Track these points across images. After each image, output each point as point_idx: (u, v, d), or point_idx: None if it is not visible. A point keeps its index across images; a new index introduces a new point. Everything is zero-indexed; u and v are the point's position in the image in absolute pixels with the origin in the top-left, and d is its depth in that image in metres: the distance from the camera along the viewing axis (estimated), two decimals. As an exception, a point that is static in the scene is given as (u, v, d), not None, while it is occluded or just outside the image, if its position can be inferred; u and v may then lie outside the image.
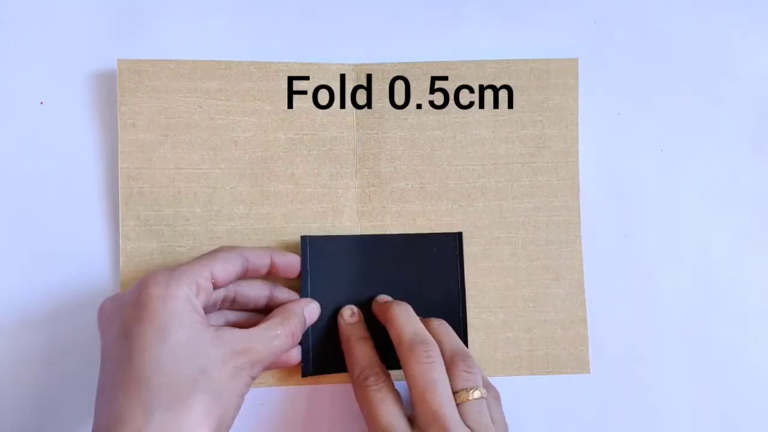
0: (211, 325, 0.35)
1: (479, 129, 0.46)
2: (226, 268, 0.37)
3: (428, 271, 0.44)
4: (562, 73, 0.46)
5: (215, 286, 0.37)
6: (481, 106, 0.46)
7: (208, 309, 0.39)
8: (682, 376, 0.47)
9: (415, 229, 0.45)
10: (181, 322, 0.33)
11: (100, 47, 0.45)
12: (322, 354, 0.42)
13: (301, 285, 0.42)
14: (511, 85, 0.46)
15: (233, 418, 0.34)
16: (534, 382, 0.46)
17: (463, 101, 0.46)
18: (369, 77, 0.46)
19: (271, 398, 0.45)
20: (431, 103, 0.46)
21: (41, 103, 0.45)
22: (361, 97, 0.46)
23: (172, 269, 0.35)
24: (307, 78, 0.45)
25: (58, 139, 0.45)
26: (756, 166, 0.48)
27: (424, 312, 0.43)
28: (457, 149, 0.46)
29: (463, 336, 0.44)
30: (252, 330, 0.36)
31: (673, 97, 0.48)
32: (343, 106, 0.45)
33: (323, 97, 0.45)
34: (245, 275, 0.39)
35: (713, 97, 0.48)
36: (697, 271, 0.47)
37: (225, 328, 0.35)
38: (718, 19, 0.49)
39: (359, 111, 0.46)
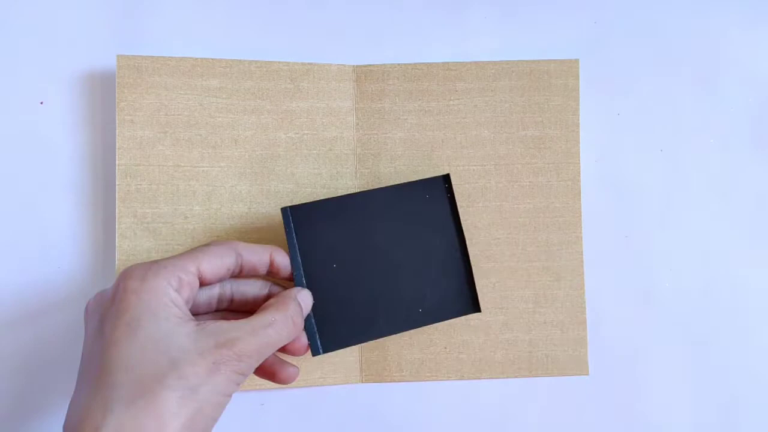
0: (194, 320, 0.33)
1: (479, 130, 0.46)
2: (214, 263, 0.35)
3: (420, 218, 0.42)
4: (562, 74, 0.46)
5: (203, 282, 0.35)
6: (482, 107, 0.46)
7: (200, 307, 0.37)
8: (681, 377, 0.47)
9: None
10: (155, 316, 0.31)
11: (100, 47, 0.45)
12: (328, 328, 0.40)
13: (291, 260, 0.39)
14: (511, 86, 0.46)
15: (212, 419, 0.31)
16: (533, 383, 0.46)
17: (464, 102, 0.46)
18: (369, 78, 0.45)
19: (271, 399, 0.45)
20: (431, 104, 0.46)
21: (41, 103, 0.45)
22: (361, 98, 0.45)
23: (154, 262, 0.34)
24: (307, 78, 0.45)
25: (58, 139, 0.44)
26: (756, 166, 0.48)
27: (424, 262, 0.41)
28: (457, 150, 0.46)
29: (468, 280, 0.42)
30: (241, 320, 0.34)
31: (673, 97, 0.48)
32: (343, 106, 0.45)
33: (324, 97, 0.45)
34: (241, 273, 0.37)
35: (713, 97, 0.48)
36: (696, 271, 0.47)
37: (210, 321, 0.33)
38: (718, 19, 0.49)
39: (359, 111, 0.45)
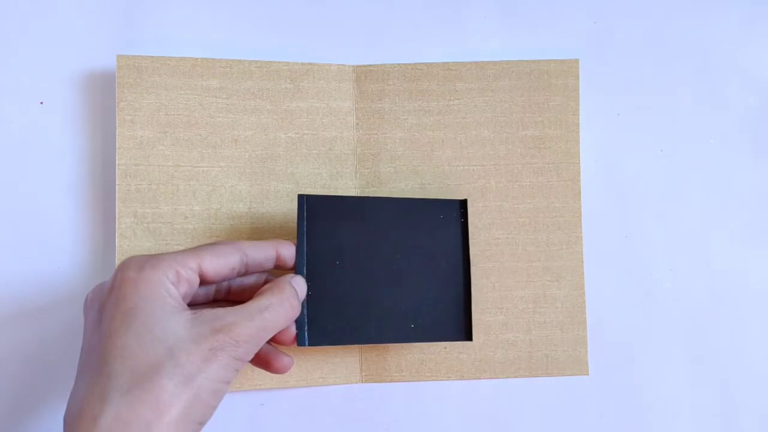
0: (190, 310, 0.33)
1: (480, 130, 0.46)
2: (217, 262, 0.35)
3: (430, 237, 0.42)
4: (562, 74, 0.46)
5: (205, 280, 0.35)
6: (482, 107, 0.46)
7: (197, 300, 0.37)
8: (680, 377, 0.47)
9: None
10: (152, 305, 0.31)
11: (100, 47, 0.45)
12: (319, 322, 0.39)
13: (296, 248, 0.39)
14: (511, 86, 0.46)
15: (211, 407, 0.31)
16: (533, 383, 0.46)
17: (464, 102, 0.46)
18: (369, 78, 0.45)
19: (271, 399, 0.45)
20: (431, 104, 0.46)
21: (41, 103, 0.45)
22: (362, 98, 0.45)
23: (154, 255, 0.34)
24: (307, 78, 0.45)
25: (58, 139, 0.44)
26: (756, 167, 0.48)
27: (426, 279, 0.41)
28: (457, 150, 0.46)
29: (466, 307, 0.42)
30: (238, 306, 0.33)
31: (673, 97, 0.48)
32: (343, 106, 0.45)
33: (324, 97, 0.45)
34: (246, 271, 0.37)
35: (713, 97, 0.48)
36: (696, 272, 0.47)
37: (205, 309, 0.33)
38: (718, 19, 0.49)
39: (359, 111, 0.45)
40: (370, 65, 0.46)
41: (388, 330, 0.40)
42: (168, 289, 0.32)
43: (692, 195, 0.48)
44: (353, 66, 0.46)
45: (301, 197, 0.40)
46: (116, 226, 0.43)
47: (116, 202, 0.43)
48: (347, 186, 0.45)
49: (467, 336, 0.42)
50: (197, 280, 0.34)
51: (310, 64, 0.45)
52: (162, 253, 0.34)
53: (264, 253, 0.37)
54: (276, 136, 0.44)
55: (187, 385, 0.30)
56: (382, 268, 0.41)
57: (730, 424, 0.46)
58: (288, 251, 0.38)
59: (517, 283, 0.45)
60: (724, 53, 0.49)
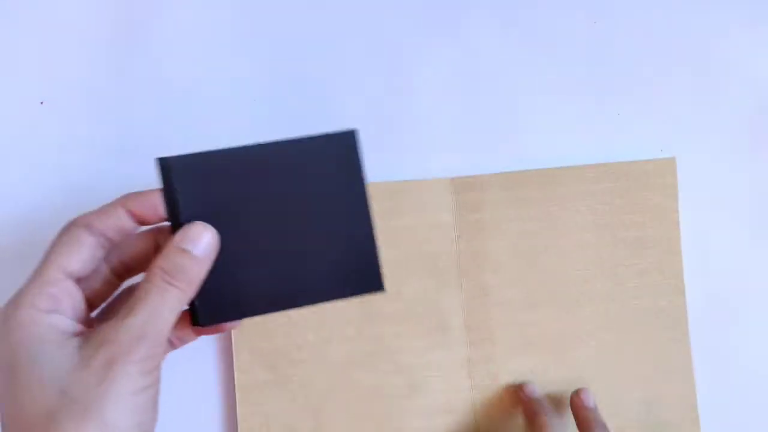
0: (81, 332, 0.29)
1: (582, 234, 0.46)
2: (74, 254, 0.30)
3: (325, 181, 0.34)
4: (660, 173, 0.46)
5: (82, 278, 0.31)
6: (583, 210, 0.46)
7: (90, 279, 0.32)
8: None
9: (526, 341, 0.45)
10: (31, 352, 0.28)
11: (100, 46, 0.45)
12: (211, 295, 0.32)
13: (165, 201, 0.32)
14: (611, 188, 0.46)
15: (142, 414, 0.28)
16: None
17: (565, 207, 0.46)
18: (468, 189, 0.45)
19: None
20: (532, 211, 0.45)
21: (41, 103, 0.44)
22: (461, 209, 0.45)
23: (17, 293, 0.30)
24: (406, 194, 0.44)
25: (58, 139, 0.44)
26: (756, 166, 0.48)
27: (325, 227, 0.34)
28: (560, 256, 0.45)
29: (371, 248, 0.35)
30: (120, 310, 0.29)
31: (673, 97, 0.48)
32: (443, 219, 0.45)
33: (424, 211, 0.45)
34: (112, 241, 0.32)
35: (713, 97, 0.48)
36: (696, 271, 0.47)
37: (93, 329, 0.29)
38: (718, 19, 0.49)
39: (460, 223, 0.45)
40: (468, 177, 0.45)
41: (293, 292, 0.34)
42: (42, 323, 0.29)
43: (692, 195, 0.47)
44: (451, 179, 0.45)
45: (160, 161, 0.32)
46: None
47: None
48: (452, 298, 0.45)
49: (379, 286, 0.35)
50: (73, 286, 0.30)
51: (409, 182, 0.45)
52: (25, 285, 0.30)
53: (113, 217, 0.31)
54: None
55: (88, 416, 0.27)
56: (274, 223, 0.33)
57: (732, 423, 0.47)
58: (142, 203, 0.32)
59: (628, 385, 0.45)
60: (724, 53, 0.49)
